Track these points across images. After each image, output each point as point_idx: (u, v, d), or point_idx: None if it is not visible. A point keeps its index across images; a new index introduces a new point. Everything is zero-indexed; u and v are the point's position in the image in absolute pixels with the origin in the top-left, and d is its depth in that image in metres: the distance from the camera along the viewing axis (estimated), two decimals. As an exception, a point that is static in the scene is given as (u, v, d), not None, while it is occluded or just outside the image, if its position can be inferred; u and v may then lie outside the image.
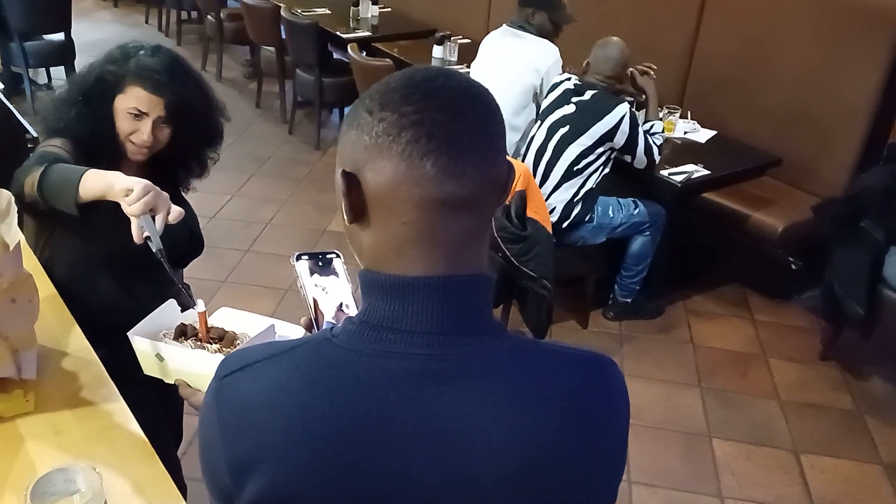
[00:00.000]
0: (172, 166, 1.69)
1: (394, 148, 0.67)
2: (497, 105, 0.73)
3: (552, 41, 3.32)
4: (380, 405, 0.68)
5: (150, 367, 1.30)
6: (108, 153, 1.55)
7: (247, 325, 1.35)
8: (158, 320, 1.34)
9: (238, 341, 1.30)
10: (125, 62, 1.54)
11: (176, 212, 1.31)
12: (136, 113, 1.53)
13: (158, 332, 1.32)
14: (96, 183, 1.33)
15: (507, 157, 0.74)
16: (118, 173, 1.34)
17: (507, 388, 0.69)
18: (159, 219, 1.29)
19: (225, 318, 1.38)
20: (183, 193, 1.78)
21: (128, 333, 1.28)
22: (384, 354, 0.69)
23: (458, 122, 0.68)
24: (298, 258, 0.99)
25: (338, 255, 1.03)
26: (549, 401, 0.70)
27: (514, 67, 3.30)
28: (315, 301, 0.97)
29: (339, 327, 0.73)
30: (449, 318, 0.69)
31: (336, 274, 1.00)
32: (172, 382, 1.25)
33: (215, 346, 1.28)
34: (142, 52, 1.56)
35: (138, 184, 1.28)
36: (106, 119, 1.54)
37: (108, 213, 1.33)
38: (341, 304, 0.99)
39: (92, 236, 1.56)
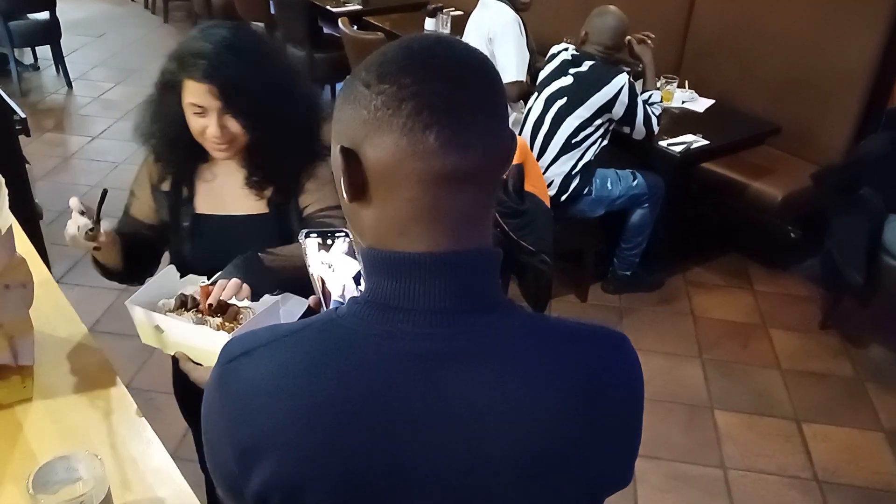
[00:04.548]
0: (268, 155, 1.43)
1: (394, 122, 0.65)
2: (497, 72, 0.71)
3: (516, 5, 3.23)
4: (388, 387, 0.66)
5: (148, 338, 1.28)
6: (193, 156, 1.44)
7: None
8: (157, 288, 1.31)
9: (242, 316, 1.27)
10: (180, 52, 1.35)
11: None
12: (197, 110, 1.33)
13: (157, 301, 1.29)
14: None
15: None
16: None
17: (518, 367, 0.68)
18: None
19: None
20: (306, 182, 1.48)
21: (126, 303, 1.25)
22: (391, 335, 0.67)
23: (460, 91, 0.66)
24: (307, 235, 0.96)
25: (346, 234, 1.01)
26: (562, 378, 0.69)
27: (474, 41, 3.24)
28: (322, 279, 0.94)
29: (343, 308, 0.71)
30: (455, 295, 0.67)
31: (344, 252, 0.98)
32: (172, 354, 1.23)
33: (217, 321, 1.25)
34: (193, 35, 1.36)
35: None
36: (178, 122, 1.37)
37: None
38: (349, 282, 0.96)
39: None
